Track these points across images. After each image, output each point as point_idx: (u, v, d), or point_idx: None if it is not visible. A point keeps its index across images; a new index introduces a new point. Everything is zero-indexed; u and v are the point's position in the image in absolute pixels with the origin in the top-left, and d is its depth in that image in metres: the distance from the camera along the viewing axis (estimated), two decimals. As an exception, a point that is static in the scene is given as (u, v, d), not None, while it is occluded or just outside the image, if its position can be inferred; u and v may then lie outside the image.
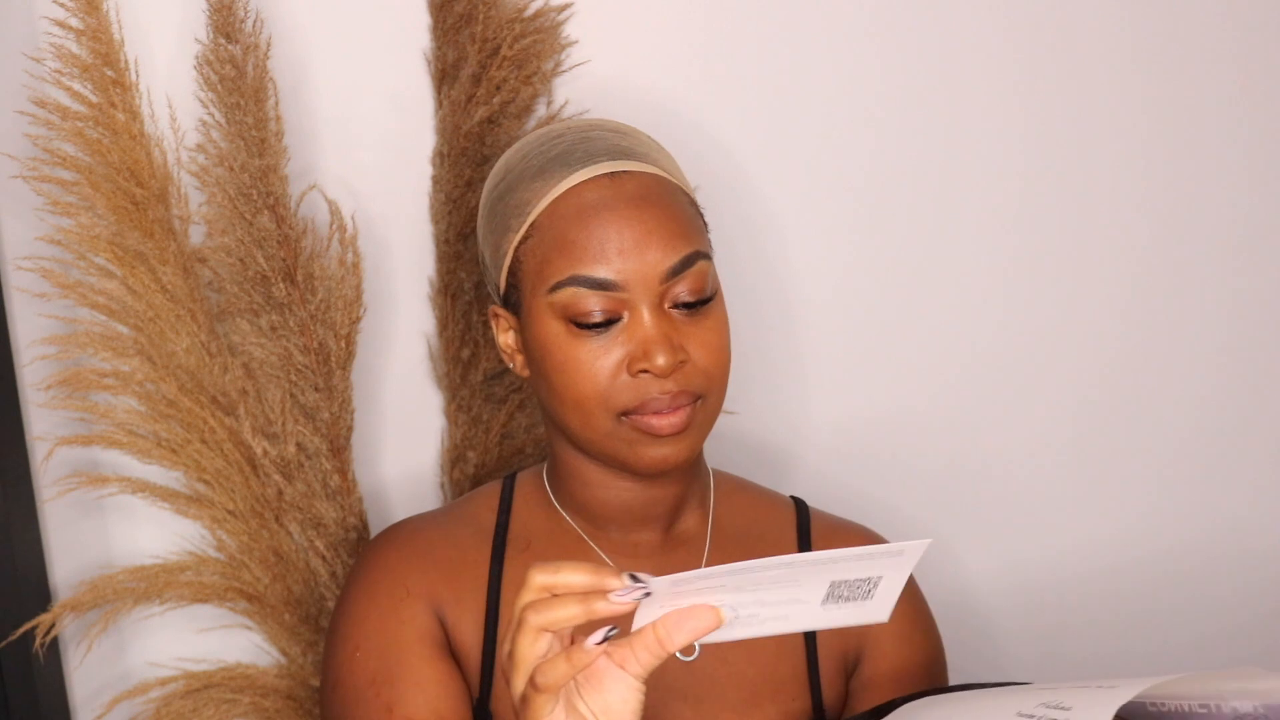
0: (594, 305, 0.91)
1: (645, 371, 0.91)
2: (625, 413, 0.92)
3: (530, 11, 1.21)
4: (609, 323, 0.91)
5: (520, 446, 1.27)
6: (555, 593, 0.72)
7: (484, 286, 1.23)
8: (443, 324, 1.25)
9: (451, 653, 0.97)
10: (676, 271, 0.91)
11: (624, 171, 0.93)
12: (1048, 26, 1.29)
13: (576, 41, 1.23)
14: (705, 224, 0.98)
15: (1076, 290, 1.34)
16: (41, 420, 1.18)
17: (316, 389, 1.20)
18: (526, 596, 0.72)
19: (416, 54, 1.22)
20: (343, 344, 1.19)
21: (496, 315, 0.99)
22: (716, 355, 0.94)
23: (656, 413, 0.91)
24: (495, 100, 1.20)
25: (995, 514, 1.38)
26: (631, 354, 0.91)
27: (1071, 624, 1.40)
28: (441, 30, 1.20)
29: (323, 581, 1.24)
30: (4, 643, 1.14)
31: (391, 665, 0.95)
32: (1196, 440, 1.38)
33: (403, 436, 1.29)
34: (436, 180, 1.23)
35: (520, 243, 0.94)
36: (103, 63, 1.12)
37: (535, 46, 1.20)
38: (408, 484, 1.30)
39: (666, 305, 0.92)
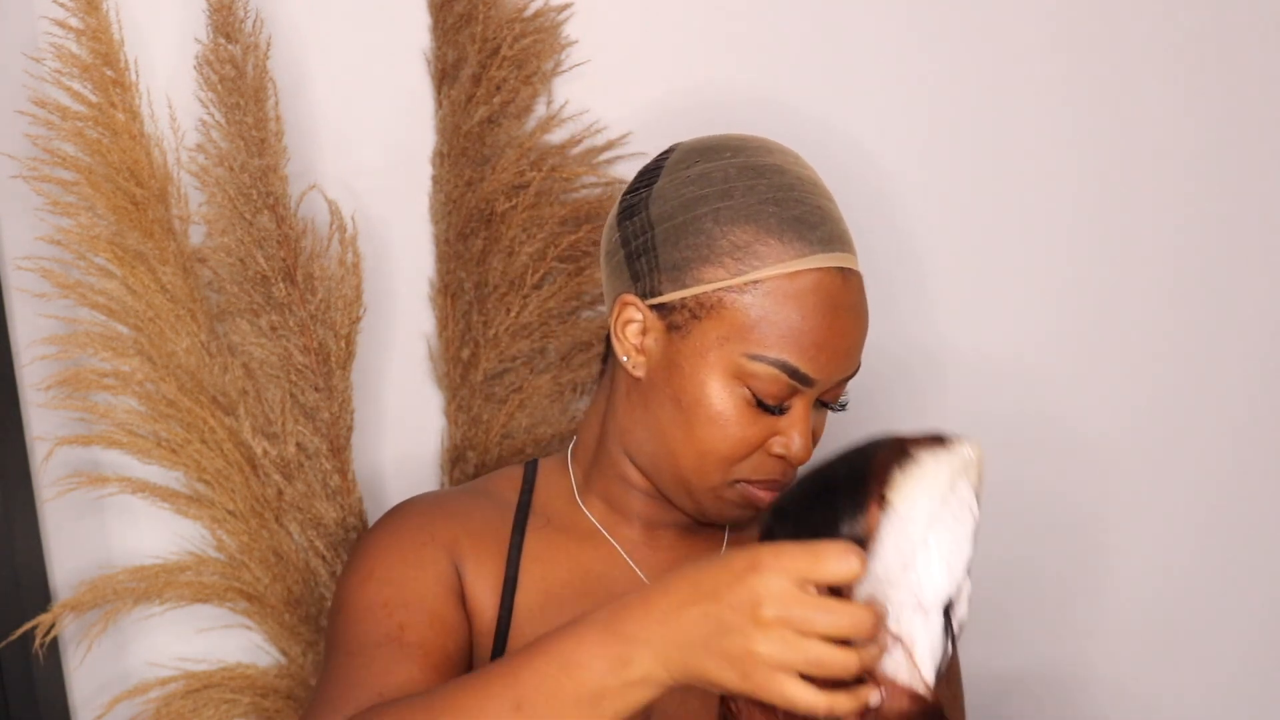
0: (785, 392, 0.91)
1: (781, 456, 0.93)
2: (740, 480, 0.94)
3: (530, 11, 1.21)
4: (779, 407, 0.92)
5: (520, 446, 1.27)
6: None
7: (484, 287, 1.23)
8: (443, 324, 1.25)
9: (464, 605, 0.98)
10: (847, 380, 0.94)
11: (852, 270, 0.92)
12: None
13: (576, 41, 1.23)
14: None
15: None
16: (41, 420, 1.18)
17: (316, 389, 1.20)
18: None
19: (416, 54, 1.22)
20: (343, 344, 1.19)
21: (628, 305, 0.95)
22: (816, 445, 0.96)
23: (766, 489, 0.94)
24: (495, 100, 1.20)
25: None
26: (780, 437, 0.92)
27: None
28: (441, 30, 1.20)
29: (323, 581, 1.24)
30: (4, 643, 1.14)
31: (408, 596, 0.95)
32: None
33: (403, 437, 1.29)
34: (436, 180, 1.23)
35: (732, 289, 0.90)
36: (103, 63, 1.12)
37: (535, 46, 1.20)
38: (408, 484, 1.30)
39: (816, 399, 0.94)
